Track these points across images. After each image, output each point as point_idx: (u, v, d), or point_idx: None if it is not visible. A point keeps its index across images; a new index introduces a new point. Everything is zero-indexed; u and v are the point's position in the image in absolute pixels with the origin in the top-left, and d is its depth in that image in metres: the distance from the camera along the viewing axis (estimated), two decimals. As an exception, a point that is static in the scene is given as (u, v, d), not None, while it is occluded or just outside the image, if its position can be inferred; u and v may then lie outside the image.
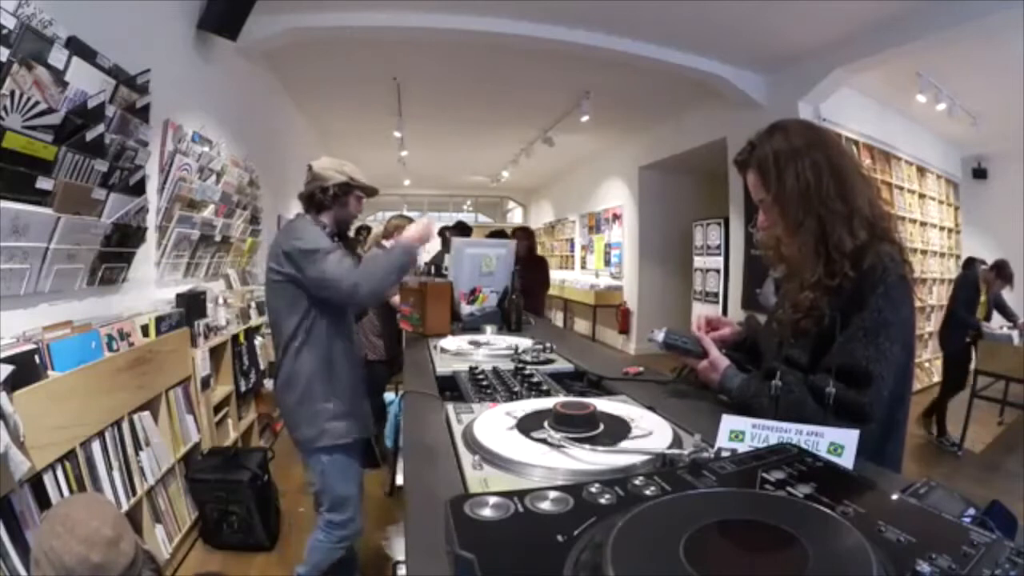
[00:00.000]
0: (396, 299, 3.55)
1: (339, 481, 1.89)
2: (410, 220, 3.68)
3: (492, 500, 0.55)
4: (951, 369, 4.57)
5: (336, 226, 1.98)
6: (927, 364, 6.23)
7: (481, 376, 1.38)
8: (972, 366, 4.46)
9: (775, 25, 3.97)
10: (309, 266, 1.77)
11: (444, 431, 0.99)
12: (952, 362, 4.58)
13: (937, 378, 6.22)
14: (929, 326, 6.37)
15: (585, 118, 5.75)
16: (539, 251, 12.66)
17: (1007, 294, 4.89)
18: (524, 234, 4.86)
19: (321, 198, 1.93)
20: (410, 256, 1.88)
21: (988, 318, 4.71)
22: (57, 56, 1.88)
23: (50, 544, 1.18)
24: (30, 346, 1.81)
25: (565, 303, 9.72)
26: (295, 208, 6.17)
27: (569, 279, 9.88)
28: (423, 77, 5.28)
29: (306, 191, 1.97)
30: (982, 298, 4.60)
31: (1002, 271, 4.66)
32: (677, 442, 0.88)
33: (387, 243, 3.52)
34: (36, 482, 1.74)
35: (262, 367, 3.82)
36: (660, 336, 1.28)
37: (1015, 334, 4.66)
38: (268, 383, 3.82)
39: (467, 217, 14.03)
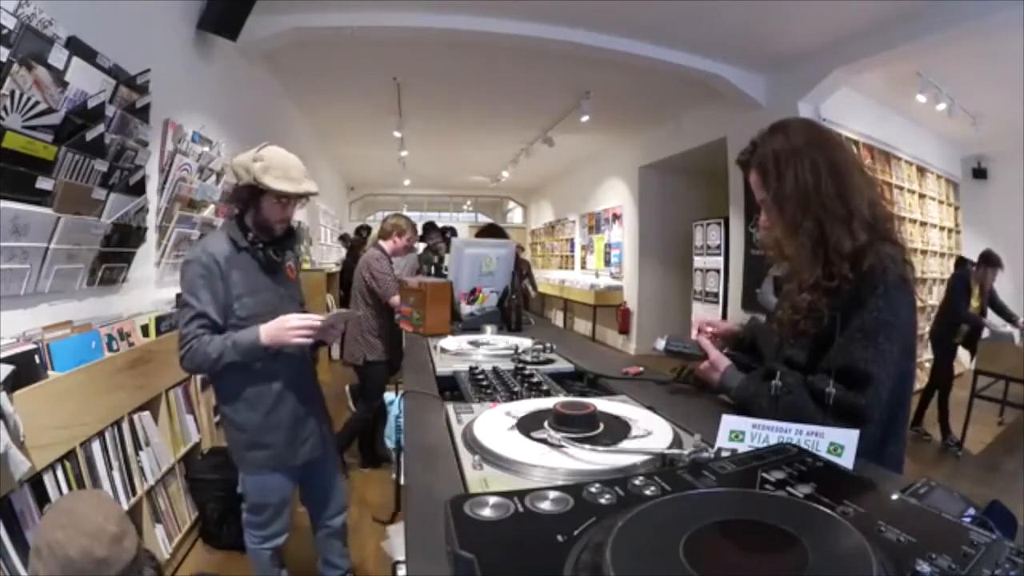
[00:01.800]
0: (396, 299, 3.54)
1: (255, 493, 1.86)
2: (407, 219, 3.65)
3: (492, 500, 0.55)
4: (941, 368, 4.56)
5: (257, 229, 1.75)
6: (927, 364, 6.23)
7: (481, 376, 1.38)
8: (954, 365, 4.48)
9: (775, 25, 3.97)
10: (179, 309, 1.72)
11: (444, 431, 0.99)
12: (942, 361, 4.57)
13: (937, 378, 6.23)
14: (929, 326, 6.36)
15: (585, 118, 5.76)
16: (538, 251, 12.75)
17: (1003, 288, 4.88)
18: (488, 234, 4.36)
19: (234, 200, 1.75)
20: (244, 356, 1.66)
21: (984, 314, 4.70)
22: (57, 56, 1.88)
23: (54, 536, 1.18)
24: (30, 346, 1.81)
25: (565, 303, 9.72)
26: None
27: (569, 279, 9.88)
28: (423, 77, 5.28)
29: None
30: (975, 302, 4.59)
31: (989, 260, 4.60)
32: (677, 442, 0.88)
33: (385, 244, 3.52)
34: (36, 482, 1.74)
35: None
36: (662, 344, 1.35)
37: (1016, 333, 4.65)
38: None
39: (467, 217, 14.06)
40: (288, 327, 1.64)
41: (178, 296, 1.93)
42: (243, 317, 1.71)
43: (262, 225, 1.75)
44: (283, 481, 1.87)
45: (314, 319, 1.68)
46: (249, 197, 1.71)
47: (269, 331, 1.65)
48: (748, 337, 1.36)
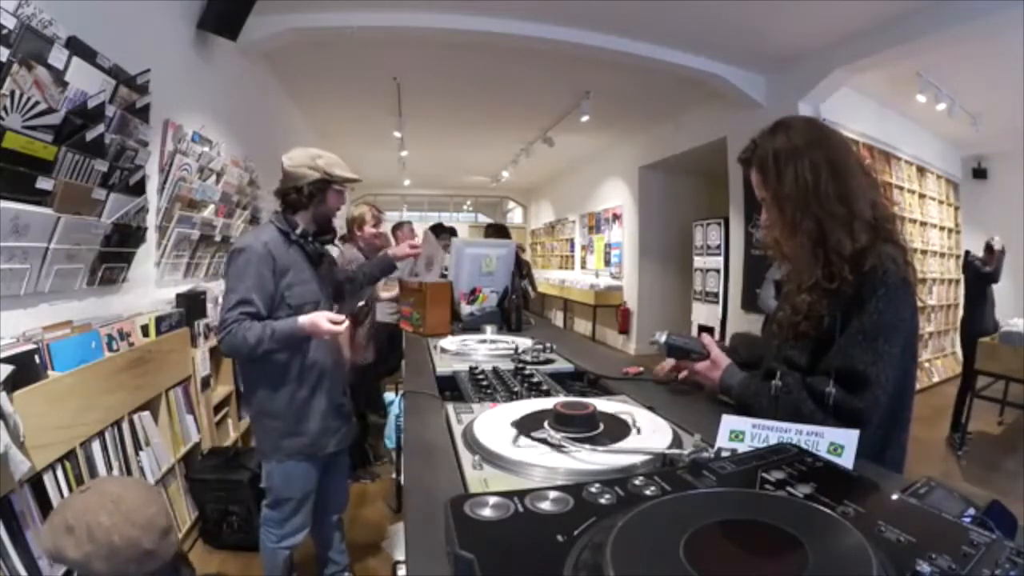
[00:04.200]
0: (389, 293, 3.51)
1: (281, 484, 1.89)
2: (366, 207, 3.51)
3: (492, 500, 0.55)
4: (969, 361, 4.48)
5: (315, 223, 1.88)
6: (927, 364, 6.24)
7: (481, 376, 1.39)
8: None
9: (775, 25, 3.97)
10: (223, 295, 1.80)
11: (444, 431, 0.99)
12: (971, 353, 4.48)
13: (937, 378, 6.23)
14: (929, 326, 6.37)
15: (585, 118, 5.75)
16: (538, 251, 12.75)
17: (1004, 288, 4.88)
18: (493, 231, 4.62)
19: (296, 198, 1.83)
20: (282, 344, 1.74)
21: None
22: (57, 56, 1.88)
23: (98, 519, 1.16)
24: (30, 346, 1.81)
25: (565, 303, 9.72)
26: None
27: (569, 279, 9.88)
28: (423, 77, 5.28)
29: (280, 189, 1.87)
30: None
31: (991, 249, 4.64)
32: (677, 442, 0.88)
33: (366, 229, 3.38)
34: (36, 482, 1.74)
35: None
36: (662, 338, 1.30)
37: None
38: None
39: (467, 217, 14.07)
40: (322, 329, 1.72)
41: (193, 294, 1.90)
42: (294, 305, 1.79)
43: (324, 216, 1.89)
44: (310, 471, 1.91)
45: (342, 328, 1.75)
46: (316, 192, 1.84)
47: (308, 320, 1.74)
48: (731, 347, 1.34)
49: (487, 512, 0.53)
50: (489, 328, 2.19)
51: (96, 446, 2.05)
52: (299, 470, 1.88)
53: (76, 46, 1.99)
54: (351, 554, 2.31)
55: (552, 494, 0.56)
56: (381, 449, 3.58)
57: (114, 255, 2.38)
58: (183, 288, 3.07)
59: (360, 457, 3.58)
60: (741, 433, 0.85)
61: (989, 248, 4.70)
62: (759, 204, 1.18)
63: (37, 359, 1.81)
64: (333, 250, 4.07)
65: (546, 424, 0.89)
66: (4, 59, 1.65)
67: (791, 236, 1.08)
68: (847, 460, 0.79)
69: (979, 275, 4.60)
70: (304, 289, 1.83)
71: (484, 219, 13.85)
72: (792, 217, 1.07)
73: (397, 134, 7.00)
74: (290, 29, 3.87)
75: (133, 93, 2.35)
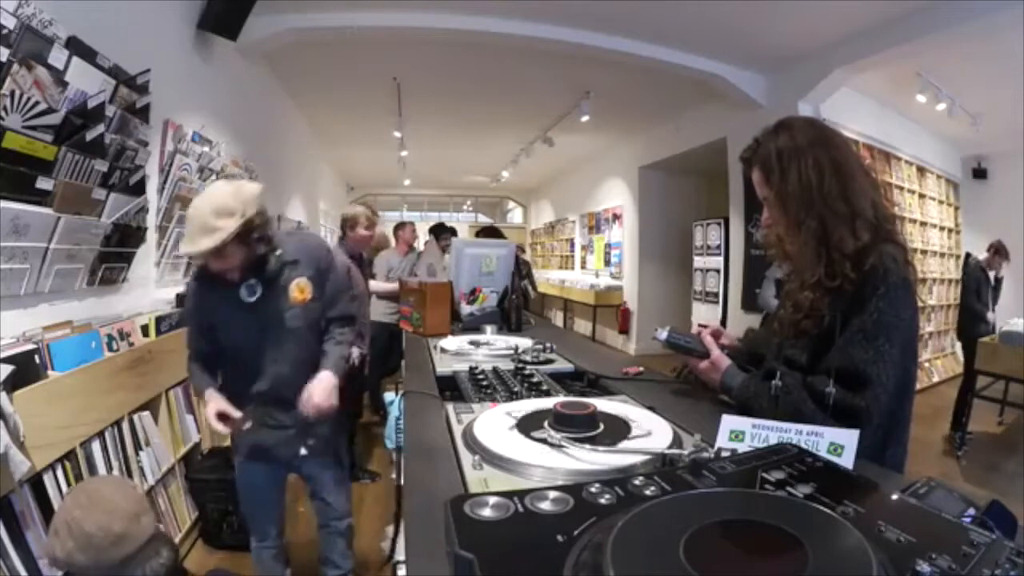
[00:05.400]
0: (382, 286, 3.43)
1: (238, 479, 1.93)
2: (362, 209, 3.36)
3: (492, 500, 0.55)
4: (971, 361, 4.50)
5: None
6: (927, 364, 6.24)
7: (481, 376, 1.39)
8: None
9: (775, 25, 3.97)
10: None
11: (444, 431, 0.99)
12: (971, 353, 4.49)
13: (937, 378, 6.23)
14: (929, 326, 6.37)
15: (585, 118, 5.76)
16: (538, 251, 12.76)
17: (1004, 287, 4.91)
18: (486, 235, 4.69)
19: None
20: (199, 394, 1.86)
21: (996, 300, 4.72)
22: (57, 56, 1.88)
23: (72, 514, 1.20)
24: (30, 346, 1.81)
25: (565, 303, 9.72)
26: (295, 208, 6.01)
27: (569, 279, 9.88)
28: (423, 77, 5.28)
29: None
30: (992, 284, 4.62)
31: (999, 251, 4.69)
32: (677, 442, 0.88)
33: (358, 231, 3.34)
34: (36, 482, 1.74)
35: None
36: (663, 335, 1.29)
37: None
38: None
39: (467, 217, 14.08)
40: (208, 417, 1.70)
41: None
42: (226, 347, 1.74)
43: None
44: (258, 474, 1.89)
45: (221, 427, 1.69)
46: None
47: (207, 399, 1.71)
48: (747, 349, 1.34)
49: (487, 512, 0.53)
50: (489, 328, 2.19)
51: (96, 446, 2.05)
52: (248, 468, 1.89)
53: (76, 46, 1.99)
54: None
55: (552, 494, 0.56)
56: (368, 459, 3.53)
57: (114, 255, 2.38)
58: (183, 288, 3.07)
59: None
60: (741, 433, 0.85)
61: (991, 249, 4.70)
62: (759, 204, 1.18)
63: (37, 359, 1.81)
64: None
65: (546, 424, 0.89)
66: (4, 59, 1.65)
67: (795, 234, 1.09)
68: (847, 460, 0.79)
69: (976, 315, 4.58)
70: (227, 332, 1.71)
71: (484, 219, 13.86)
72: (796, 215, 1.08)
73: (397, 134, 7.01)
74: (290, 29, 3.87)
75: (133, 93, 2.35)
